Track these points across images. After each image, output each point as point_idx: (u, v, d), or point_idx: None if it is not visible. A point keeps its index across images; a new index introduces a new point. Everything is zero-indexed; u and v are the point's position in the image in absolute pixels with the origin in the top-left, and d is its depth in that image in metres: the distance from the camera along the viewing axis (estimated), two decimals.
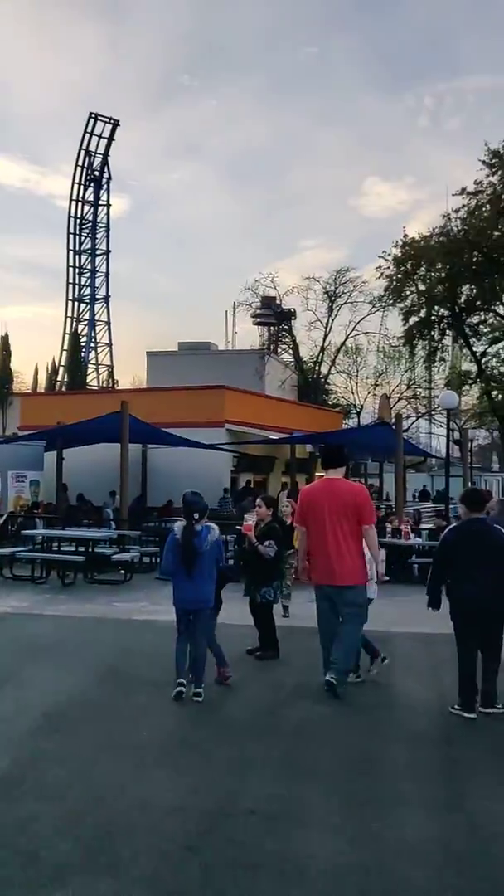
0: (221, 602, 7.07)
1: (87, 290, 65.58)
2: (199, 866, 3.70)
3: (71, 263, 65.04)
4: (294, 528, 7.79)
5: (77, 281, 65.28)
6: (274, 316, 44.93)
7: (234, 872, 3.64)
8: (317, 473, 28.14)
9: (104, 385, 60.02)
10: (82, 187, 64.95)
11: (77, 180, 64.74)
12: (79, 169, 64.64)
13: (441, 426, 36.50)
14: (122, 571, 14.11)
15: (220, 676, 6.91)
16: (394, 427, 18.91)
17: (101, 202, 65.77)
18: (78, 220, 64.85)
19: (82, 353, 60.47)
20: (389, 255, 29.45)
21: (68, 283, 65.04)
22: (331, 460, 7.18)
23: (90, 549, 14.02)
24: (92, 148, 64.59)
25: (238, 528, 9.97)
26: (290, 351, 42.98)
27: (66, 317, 64.63)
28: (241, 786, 4.70)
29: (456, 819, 4.27)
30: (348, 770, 4.99)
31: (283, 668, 7.62)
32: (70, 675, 7.20)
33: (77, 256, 65.13)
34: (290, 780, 4.78)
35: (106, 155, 65.16)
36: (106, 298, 66.12)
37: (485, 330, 30.29)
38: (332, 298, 39.85)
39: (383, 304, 33.71)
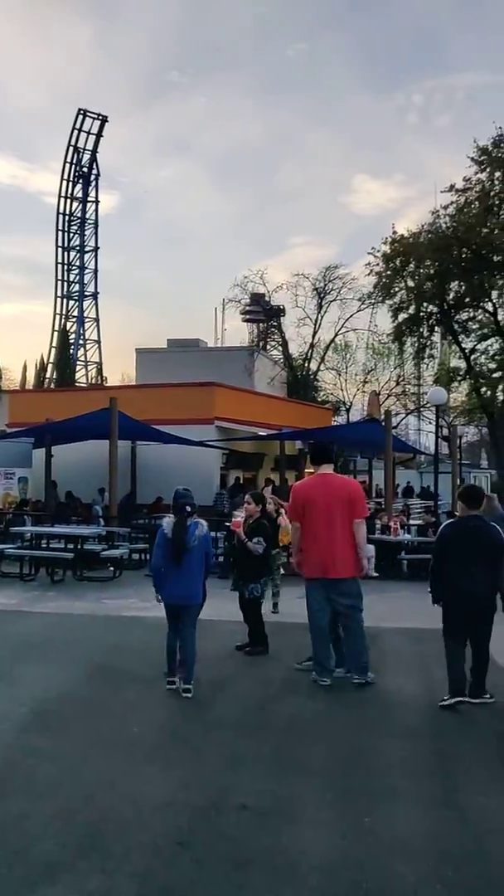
0: (205, 596, 7.07)
1: (76, 287, 65.32)
2: (191, 862, 3.69)
3: (59, 260, 64.79)
4: (279, 524, 7.76)
5: (66, 278, 65.00)
6: (263, 313, 44.88)
7: (226, 868, 3.63)
8: (306, 470, 28.16)
9: (93, 382, 59.83)
10: (71, 184, 64.66)
11: (65, 177, 64.43)
12: (67, 165, 64.35)
13: (430, 423, 36.65)
14: (112, 568, 14.07)
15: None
16: (383, 424, 18.93)
17: (89, 198, 65.47)
18: (66, 217, 64.55)
19: (71, 350, 60.23)
20: (379, 251, 29.50)
21: (57, 279, 64.77)
22: (322, 456, 7.30)
23: (79, 546, 13.97)
24: (80, 144, 64.29)
25: (227, 524, 9.96)
26: (280, 348, 43.01)
27: (55, 314, 64.39)
28: (232, 781, 4.69)
29: (448, 814, 4.27)
30: (340, 765, 4.99)
31: (273, 664, 7.61)
32: (60, 672, 7.17)
33: (66, 253, 64.84)
34: (282, 776, 4.77)
35: (94, 151, 64.85)
36: (95, 295, 65.88)
37: (473, 326, 30.37)
38: (322, 295, 39.91)
39: (372, 300, 33.82)
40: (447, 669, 6.31)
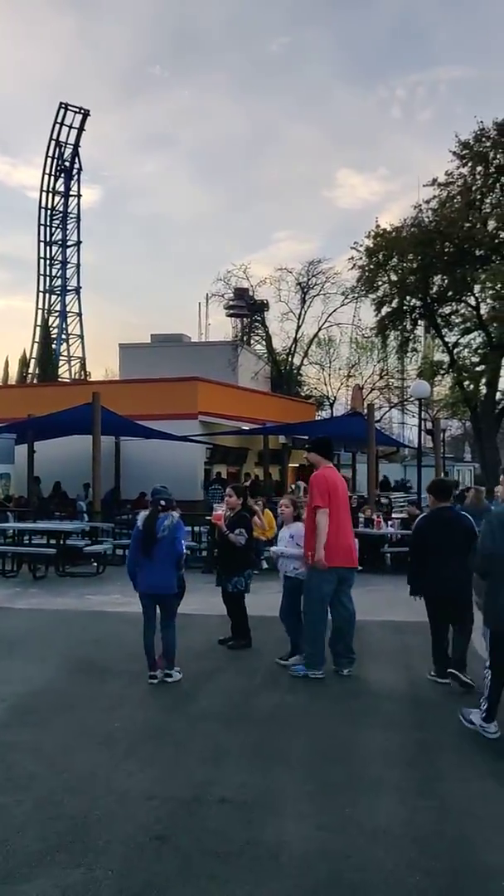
0: (184, 588, 7.14)
1: (59, 282, 65.03)
2: (172, 855, 3.68)
3: (41, 255, 64.48)
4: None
5: (48, 272, 64.70)
6: (247, 307, 44.80)
7: (207, 861, 3.63)
8: (290, 465, 28.18)
9: (76, 377, 59.60)
10: (53, 178, 64.29)
11: (47, 171, 64.10)
12: (49, 159, 64.00)
13: (414, 416, 36.67)
14: (95, 564, 14.03)
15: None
16: (366, 417, 18.96)
17: (71, 193, 65.13)
18: (49, 211, 64.21)
19: (53, 345, 59.97)
20: (361, 246, 29.52)
21: (39, 274, 64.46)
22: (329, 451, 7.50)
23: (62, 542, 13.92)
24: (62, 138, 63.94)
25: (207, 518, 9.96)
26: (263, 342, 42.97)
27: (37, 308, 64.07)
28: (214, 774, 4.69)
29: (429, 803, 4.28)
30: (321, 757, 5.00)
31: (256, 657, 7.62)
32: (41, 668, 7.15)
33: (48, 247, 64.51)
34: (264, 768, 4.78)
35: (76, 145, 64.50)
36: (77, 290, 65.59)
37: (456, 320, 30.42)
38: (305, 290, 39.88)
39: (356, 294, 33.78)
40: (432, 649, 6.75)
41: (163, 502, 6.86)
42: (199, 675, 6.88)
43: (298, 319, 40.12)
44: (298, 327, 40.30)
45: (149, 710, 6.02)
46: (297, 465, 27.16)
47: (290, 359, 41.16)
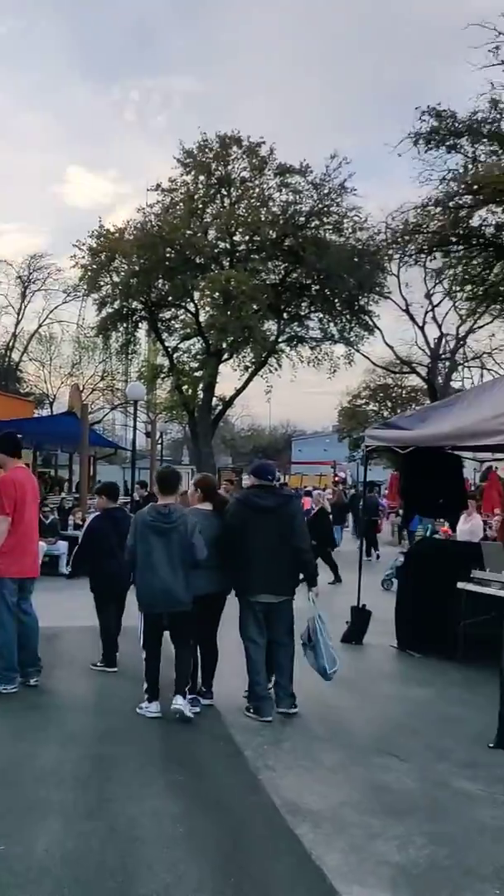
0: None
1: None
2: None
3: None
4: None
5: None
6: None
7: None
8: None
9: None
10: None
11: None
12: None
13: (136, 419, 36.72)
14: None
15: None
16: (80, 418, 18.56)
17: None
18: None
19: None
20: (84, 244, 28.98)
21: None
22: (19, 448, 6.96)
23: None
24: None
25: None
26: None
27: None
28: None
29: (94, 826, 4.01)
30: None
31: None
32: None
33: None
34: None
35: None
36: None
37: (177, 326, 30.91)
38: (26, 284, 38.56)
39: (78, 293, 33.20)
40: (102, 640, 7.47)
41: None
42: None
43: (18, 314, 38.72)
44: (18, 322, 38.89)
45: None
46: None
47: (8, 354, 39.54)
